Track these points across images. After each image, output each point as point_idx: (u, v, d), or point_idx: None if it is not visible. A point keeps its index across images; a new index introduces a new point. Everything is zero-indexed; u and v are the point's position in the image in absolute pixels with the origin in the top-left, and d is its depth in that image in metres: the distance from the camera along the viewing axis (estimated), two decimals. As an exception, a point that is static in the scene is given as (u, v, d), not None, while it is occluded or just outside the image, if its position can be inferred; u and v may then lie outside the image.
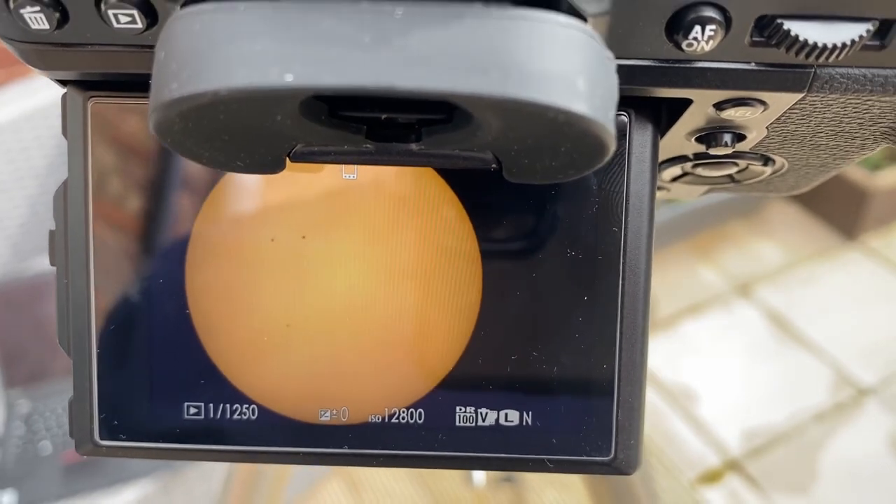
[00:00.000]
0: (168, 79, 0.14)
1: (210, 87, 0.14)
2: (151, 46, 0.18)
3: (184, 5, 0.15)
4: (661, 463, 1.56)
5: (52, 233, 0.23)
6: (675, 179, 0.27)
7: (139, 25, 0.18)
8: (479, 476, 0.90)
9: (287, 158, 0.19)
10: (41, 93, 1.42)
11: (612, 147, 0.15)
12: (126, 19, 0.18)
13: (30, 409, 1.21)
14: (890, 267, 1.93)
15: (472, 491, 1.46)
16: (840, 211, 2.00)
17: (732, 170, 0.25)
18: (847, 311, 1.83)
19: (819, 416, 1.62)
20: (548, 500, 1.47)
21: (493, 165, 0.19)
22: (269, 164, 0.19)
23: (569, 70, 0.14)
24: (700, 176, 0.26)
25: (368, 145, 0.18)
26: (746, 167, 0.25)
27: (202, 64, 0.14)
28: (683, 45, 0.17)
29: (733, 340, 1.75)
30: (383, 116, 0.18)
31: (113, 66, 0.20)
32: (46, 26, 0.18)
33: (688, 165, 0.25)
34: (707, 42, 0.17)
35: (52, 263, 0.23)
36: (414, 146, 0.18)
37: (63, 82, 0.22)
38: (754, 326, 1.80)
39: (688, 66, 0.18)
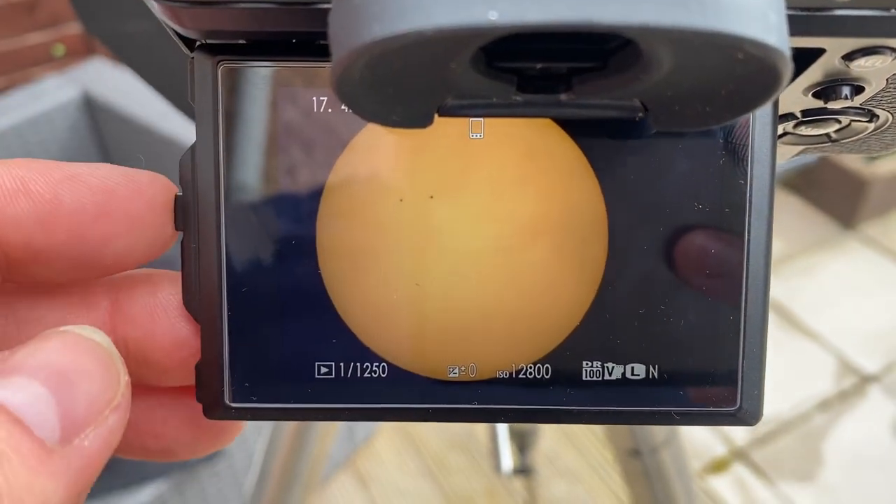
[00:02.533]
0: (368, 21, 0.14)
1: (414, 27, 0.14)
2: (301, 3, 0.19)
3: None
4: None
5: (178, 197, 0.23)
6: (774, 139, 0.27)
7: None
8: (506, 465, 0.91)
9: (436, 114, 0.19)
10: (45, 98, 1.42)
11: (783, 86, 0.16)
12: None
13: (44, 411, 1.20)
14: (889, 255, 1.95)
15: (483, 484, 1.46)
16: (838, 200, 2.02)
17: (834, 127, 0.25)
18: (848, 300, 1.85)
19: (823, 404, 1.64)
20: (558, 493, 1.48)
21: (640, 114, 0.19)
22: (419, 119, 0.19)
23: (762, 4, 0.14)
24: (800, 135, 0.26)
25: (518, 97, 0.19)
26: (849, 124, 0.25)
27: (406, 4, 0.14)
28: None
29: (736, 331, 1.76)
30: (538, 66, 0.18)
31: (262, 25, 0.20)
32: None
33: (790, 125, 0.25)
34: None
35: (177, 228, 0.23)
36: (563, 96, 0.19)
37: (189, 47, 0.22)
38: (756, 317, 1.81)
39: (830, 13, 0.19)
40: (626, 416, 0.24)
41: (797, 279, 1.90)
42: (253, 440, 1.20)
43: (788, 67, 0.15)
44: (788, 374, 1.69)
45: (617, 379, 0.24)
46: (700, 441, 1.57)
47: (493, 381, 0.24)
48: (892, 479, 1.49)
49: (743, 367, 0.23)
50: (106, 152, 1.51)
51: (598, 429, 1.44)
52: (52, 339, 0.19)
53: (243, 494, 1.17)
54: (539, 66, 0.18)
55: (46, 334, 0.19)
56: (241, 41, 0.22)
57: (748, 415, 0.24)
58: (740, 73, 0.16)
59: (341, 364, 0.24)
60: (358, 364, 0.24)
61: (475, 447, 1.53)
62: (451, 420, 0.24)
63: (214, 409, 0.24)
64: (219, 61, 0.22)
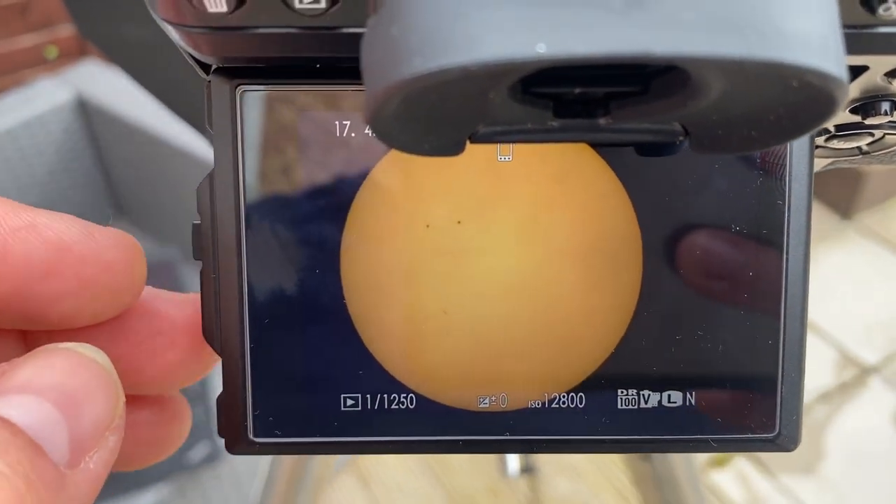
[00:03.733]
0: (408, 54, 0.13)
1: (458, 61, 0.13)
2: (328, 28, 0.18)
3: None
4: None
5: (196, 226, 0.22)
6: (804, 153, 0.26)
7: (322, 5, 0.17)
8: (514, 466, 0.90)
9: (468, 141, 0.18)
10: (38, 101, 1.41)
11: (838, 112, 0.15)
12: None
13: (44, 418, 1.19)
14: (887, 245, 1.94)
15: (486, 482, 1.46)
16: (835, 191, 2.01)
17: (866, 141, 0.25)
18: (846, 291, 1.84)
19: (823, 397, 1.63)
20: (561, 490, 1.47)
21: (681, 137, 0.18)
22: (451, 147, 0.18)
23: (821, 30, 0.14)
24: (832, 148, 0.25)
25: (553, 122, 0.18)
26: (882, 137, 0.25)
27: (448, 36, 0.13)
28: (880, 10, 0.17)
29: (736, 324, 1.76)
30: (577, 90, 0.18)
31: (284, 51, 0.19)
32: (224, 9, 0.17)
33: (822, 139, 0.25)
34: None
35: (196, 258, 0.22)
36: (602, 120, 0.18)
37: (206, 70, 0.22)
38: (756, 309, 1.81)
39: (875, 31, 0.18)
40: (662, 445, 0.23)
41: (796, 271, 1.90)
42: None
43: (846, 94, 0.14)
44: (789, 366, 1.69)
45: (653, 407, 0.23)
46: (702, 435, 1.57)
47: (524, 412, 0.23)
48: (893, 470, 1.49)
49: (782, 392, 0.23)
50: (100, 154, 1.50)
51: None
52: (58, 357, 0.19)
53: (249, 501, 1.17)
54: (577, 90, 0.18)
55: (49, 351, 0.19)
56: (260, 64, 0.21)
57: (787, 440, 0.23)
58: (793, 100, 0.15)
59: (368, 396, 0.23)
60: (385, 396, 0.23)
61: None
62: (482, 452, 0.23)
63: (237, 443, 0.23)
64: (237, 85, 0.21)
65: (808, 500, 1.45)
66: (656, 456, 0.65)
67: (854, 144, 0.25)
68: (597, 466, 1.50)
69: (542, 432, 0.23)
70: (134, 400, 0.25)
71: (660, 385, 0.23)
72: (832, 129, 0.24)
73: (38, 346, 0.22)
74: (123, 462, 0.25)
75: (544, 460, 1.45)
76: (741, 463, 1.53)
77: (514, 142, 0.20)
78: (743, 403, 0.23)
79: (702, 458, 1.53)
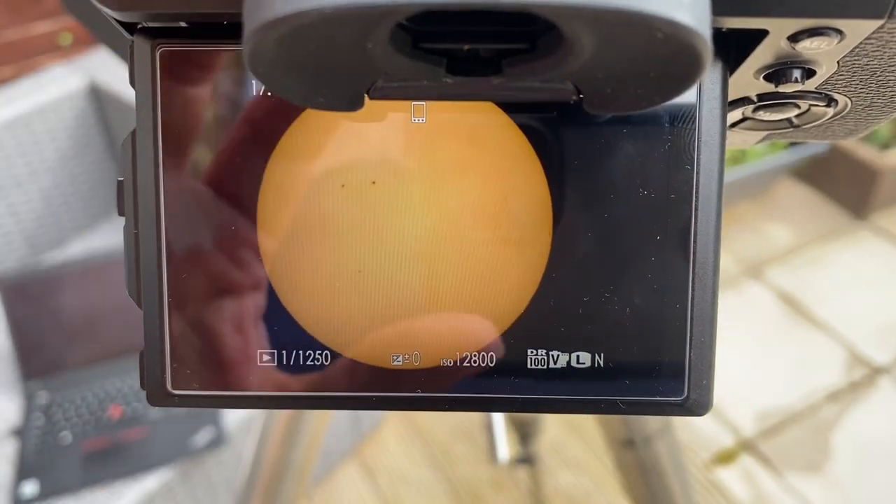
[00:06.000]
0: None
1: (315, 4, 0.14)
2: None
3: None
4: (676, 444, 1.56)
5: (120, 182, 0.23)
6: (734, 125, 0.27)
7: None
8: (503, 454, 0.90)
9: (366, 95, 0.19)
10: (52, 87, 1.42)
11: (708, 66, 0.15)
12: None
13: (49, 399, 1.21)
14: (900, 245, 1.93)
15: (489, 473, 1.46)
16: (849, 190, 2.00)
17: (793, 112, 0.25)
18: (858, 291, 1.83)
19: (832, 396, 1.62)
20: (563, 482, 1.47)
21: (574, 97, 0.19)
22: (349, 101, 0.19)
23: None
24: (760, 120, 0.26)
25: (448, 79, 0.18)
26: (808, 109, 0.25)
27: None
28: None
29: (745, 322, 1.75)
30: (465, 48, 0.18)
31: (190, 5, 0.19)
32: None
33: (748, 109, 0.25)
34: None
35: (119, 213, 0.23)
36: (495, 79, 0.18)
37: (130, 31, 0.22)
38: (766, 308, 1.80)
39: None
40: (571, 405, 0.23)
41: (807, 270, 1.88)
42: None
43: (707, 47, 0.15)
44: (798, 365, 1.68)
45: (562, 367, 0.23)
46: (707, 432, 1.56)
47: (437, 370, 0.23)
48: (902, 471, 1.48)
49: (690, 356, 0.23)
50: (111, 140, 1.52)
51: (599, 417, 1.43)
52: None
53: (235, 488, 1.17)
54: (466, 47, 0.18)
55: None
56: (180, 23, 0.22)
57: (696, 405, 0.23)
58: (664, 55, 0.16)
59: (283, 352, 0.23)
60: (300, 352, 0.23)
61: (481, 437, 1.53)
62: (394, 408, 0.24)
63: (157, 396, 0.23)
64: (158, 44, 0.22)
65: (815, 500, 1.44)
66: (640, 441, 0.65)
67: (782, 116, 0.25)
68: (599, 459, 1.50)
69: (453, 390, 0.23)
70: None
71: (569, 345, 0.23)
72: (754, 98, 0.24)
73: None
74: None
75: (546, 451, 1.45)
76: (747, 460, 1.52)
77: (411, 98, 0.21)
78: (651, 365, 0.23)
79: (707, 454, 1.53)
